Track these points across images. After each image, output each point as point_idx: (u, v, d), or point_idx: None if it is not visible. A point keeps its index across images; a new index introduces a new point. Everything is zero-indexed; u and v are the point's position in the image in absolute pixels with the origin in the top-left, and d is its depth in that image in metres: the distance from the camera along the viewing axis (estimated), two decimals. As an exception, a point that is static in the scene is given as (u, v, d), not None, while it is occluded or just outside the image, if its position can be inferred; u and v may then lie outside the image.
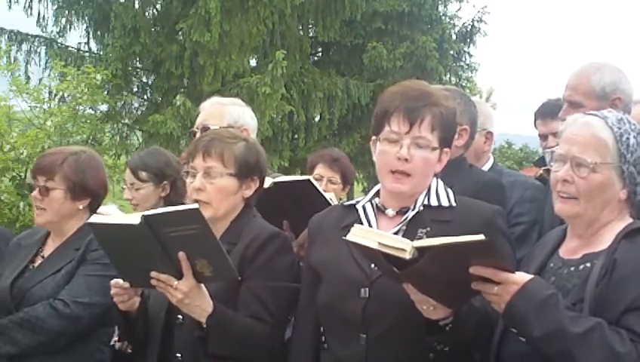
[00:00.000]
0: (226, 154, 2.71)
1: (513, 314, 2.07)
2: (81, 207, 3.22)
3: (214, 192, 2.69)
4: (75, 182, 3.18)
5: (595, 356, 1.98)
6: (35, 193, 3.21)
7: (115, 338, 3.45)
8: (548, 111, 4.14)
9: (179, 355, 2.65)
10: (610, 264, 2.11)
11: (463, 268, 2.03)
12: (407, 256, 2.00)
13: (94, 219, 2.56)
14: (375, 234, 2.10)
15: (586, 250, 2.24)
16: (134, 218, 2.40)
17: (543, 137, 4.21)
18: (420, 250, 2.01)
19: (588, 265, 2.19)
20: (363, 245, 2.08)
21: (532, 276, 2.11)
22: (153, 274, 2.45)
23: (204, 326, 2.51)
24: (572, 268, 2.23)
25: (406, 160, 2.39)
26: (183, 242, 2.39)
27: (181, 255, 2.41)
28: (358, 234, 2.11)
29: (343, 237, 2.16)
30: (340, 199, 4.46)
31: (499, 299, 2.07)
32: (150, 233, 2.37)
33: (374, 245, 2.05)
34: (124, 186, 4.00)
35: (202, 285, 2.49)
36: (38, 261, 3.24)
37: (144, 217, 2.36)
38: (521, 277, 2.08)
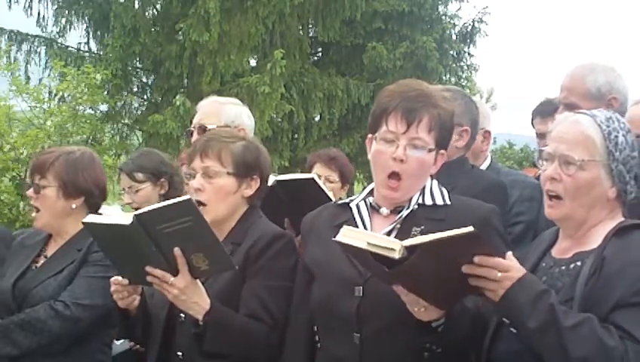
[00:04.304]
0: (223, 154, 2.71)
1: (510, 303, 2.05)
2: (74, 206, 3.20)
3: (213, 192, 2.69)
4: (66, 180, 3.16)
5: (586, 348, 1.98)
6: (30, 191, 3.22)
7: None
8: (546, 110, 4.13)
9: (179, 354, 2.64)
10: (600, 262, 2.10)
11: (453, 266, 2.02)
12: (397, 255, 1.98)
13: (89, 218, 2.56)
14: (364, 235, 2.08)
15: (577, 249, 2.24)
16: (126, 218, 2.38)
17: (541, 136, 4.20)
18: (410, 249, 1.99)
19: (578, 263, 2.18)
20: (352, 246, 2.06)
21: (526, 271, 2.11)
22: (148, 269, 2.43)
23: (201, 323, 2.50)
24: (563, 267, 2.23)
25: (401, 160, 2.37)
26: (177, 237, 2.37)
27: (176, 251, 2.40)
28: (347, 235, 2.09)
29: (333, 239, 2.13)
30: (340, 198, 4.46)
31: (498, 286, 2.04)
32: (143, 232, 2.35)
33: (363, 245, 2.03)
34: (122, 191, 3.98)
35: (199, 282, 2.48)
36: (41, 261, 3.24)
37: (136, 216, 2.35)
38: (521, 267, 2.08)
